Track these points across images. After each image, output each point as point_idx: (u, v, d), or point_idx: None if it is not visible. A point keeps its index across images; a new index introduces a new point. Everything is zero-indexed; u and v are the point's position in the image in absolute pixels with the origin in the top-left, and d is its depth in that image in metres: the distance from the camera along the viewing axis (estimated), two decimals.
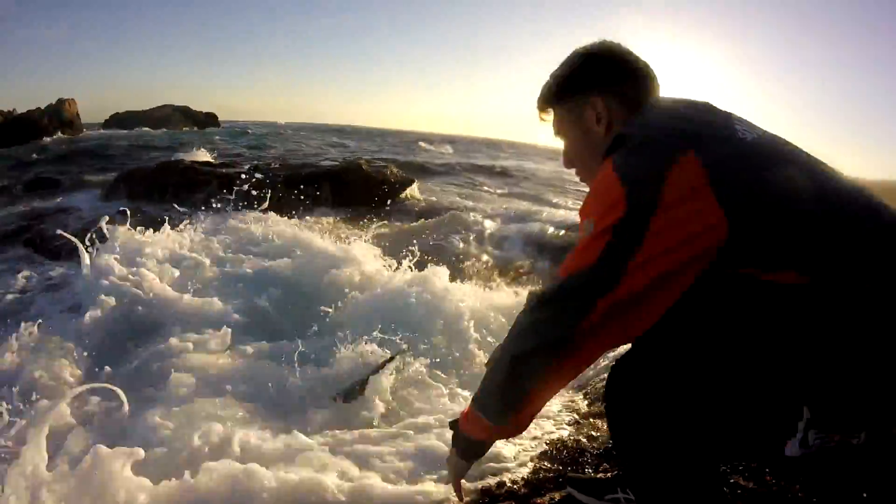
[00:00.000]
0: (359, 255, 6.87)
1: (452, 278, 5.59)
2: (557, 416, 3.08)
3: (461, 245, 8.63)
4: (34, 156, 27.18)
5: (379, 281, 5.73)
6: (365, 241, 7.60)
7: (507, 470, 2.44)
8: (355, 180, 12.59)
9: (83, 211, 12.83)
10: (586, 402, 3.28)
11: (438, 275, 5.39)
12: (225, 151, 26.08)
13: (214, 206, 11.03)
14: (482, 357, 4.37)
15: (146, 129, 56.30)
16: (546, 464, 2.47)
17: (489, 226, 9.88)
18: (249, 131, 51.67)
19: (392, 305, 4.89)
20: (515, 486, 2.28)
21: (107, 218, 6.19)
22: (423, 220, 11.00)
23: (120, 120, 64.16)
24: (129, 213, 7.31)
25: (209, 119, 67.98)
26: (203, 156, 17.55)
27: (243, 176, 12.89)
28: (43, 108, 53.31)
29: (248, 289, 5.90)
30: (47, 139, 44.40)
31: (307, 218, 10.38)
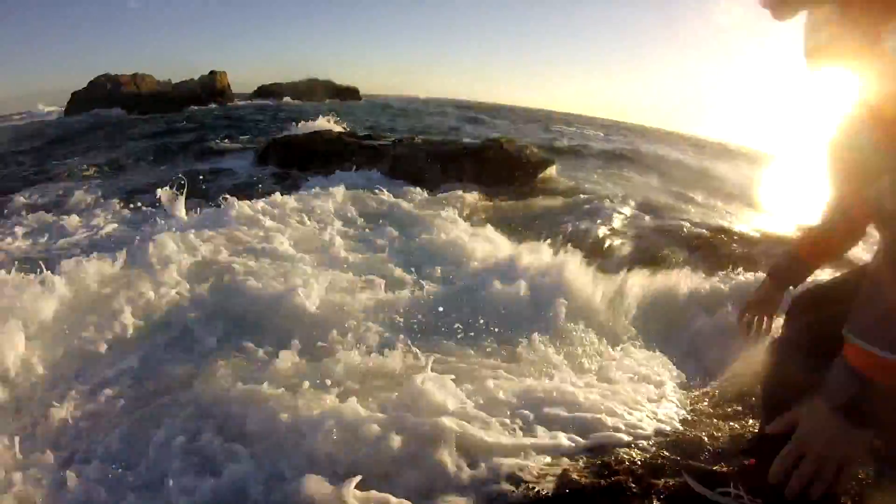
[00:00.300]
0: (492, 235, 7.14)
1: (586, 263, 5.62)
2: (678, 413, 3.17)
3: (596, 231, 8.52)
4: (185, 123, 30.16)
5: (507, 262, 5.81)
6: (500, 222, 7.83)
7: (628, 446, 2.63)
8: (495, 158, 12.53)
9: (238, 173, 13.92)
10: (710, 402, 3.34)
11: (571, 260, 5.47)
12: (367, 124, 27.05)
13: (356, 174, 11.65)
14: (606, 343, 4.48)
15: (291, 100, 59.41)
16: (665, 452, 2.58)
17: (626, 214, 9.65)
18: (393, 106, 52.61)
19: (517, 288, 4.99)
20: (634, 466, 2.42)
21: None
22: (559, 202, 10.83)
23: (267, 91, 68.19)
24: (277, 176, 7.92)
25: (351, 92, 70.44)
26: (331, 124, 18.05)
27: (386, 149, 13.51)
28: (196, 79, 58.67)
29: (370, 260, 6.25)
30: (201, 107, 48.86)
31: (447, 193, 10.61)
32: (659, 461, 2.48)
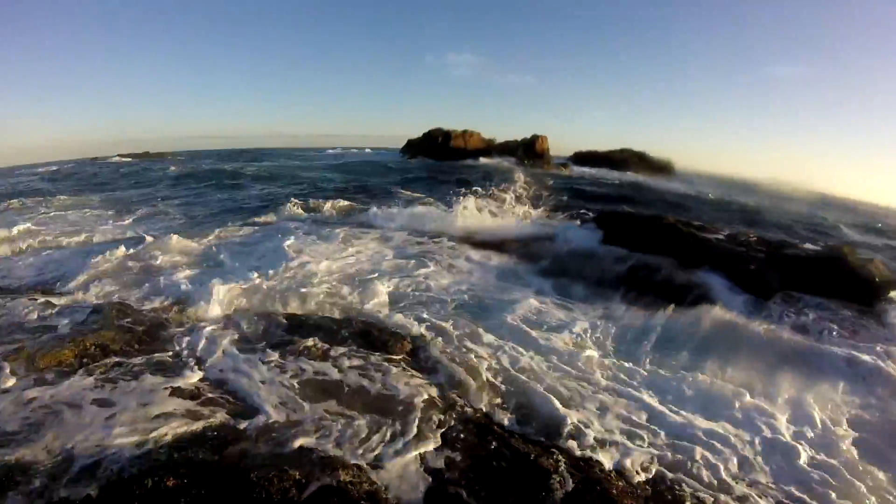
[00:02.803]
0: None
1: None
2: None
3: None
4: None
5: None
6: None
7: None
8: (835, 271, 12.21)
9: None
10: None
11: None
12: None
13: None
14: None
15: (606, 170, 62.44)
16: None
17: None
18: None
19: None
20: None
21: None
22: None
23: (582, 157, 72.22)
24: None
25: (664, 166, 70.50)
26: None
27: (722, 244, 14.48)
28: (519, 140, 67.68)
29: None
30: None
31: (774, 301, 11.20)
32: None
